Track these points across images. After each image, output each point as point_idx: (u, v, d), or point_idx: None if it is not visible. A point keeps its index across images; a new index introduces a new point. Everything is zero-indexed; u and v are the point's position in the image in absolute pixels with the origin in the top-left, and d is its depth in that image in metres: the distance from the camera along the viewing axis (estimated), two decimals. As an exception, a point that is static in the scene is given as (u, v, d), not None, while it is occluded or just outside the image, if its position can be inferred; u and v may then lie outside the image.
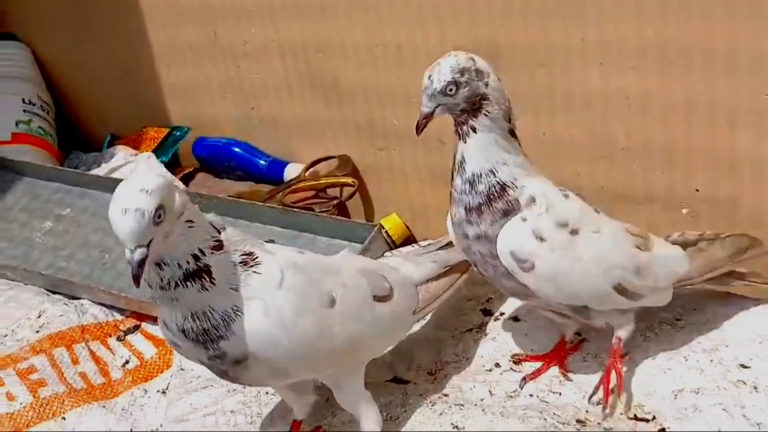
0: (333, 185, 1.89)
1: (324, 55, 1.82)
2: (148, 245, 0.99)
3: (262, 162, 2.04)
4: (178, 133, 2.16)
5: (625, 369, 1.30)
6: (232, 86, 2.02)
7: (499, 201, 1.21)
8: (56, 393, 1.47)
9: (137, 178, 1.02)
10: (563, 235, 1.21)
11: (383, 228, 1.73)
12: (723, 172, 1.48)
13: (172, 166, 2.12)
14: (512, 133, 1.23)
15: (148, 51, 2.12)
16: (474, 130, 1.20)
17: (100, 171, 2.10)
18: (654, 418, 1.25)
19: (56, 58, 2.37)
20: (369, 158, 1.87)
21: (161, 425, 1.42)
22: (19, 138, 2.18)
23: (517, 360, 1.38)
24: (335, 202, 1.86)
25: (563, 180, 1.52)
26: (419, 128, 1.21)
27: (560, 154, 1.60)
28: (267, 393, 1.41)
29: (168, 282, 1.06)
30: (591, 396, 1.29)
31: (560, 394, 1.31)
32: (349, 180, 1.86)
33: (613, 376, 1.26)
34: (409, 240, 1.78)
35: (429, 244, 1.48)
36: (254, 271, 1.11)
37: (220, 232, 1.10)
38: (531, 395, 1.31)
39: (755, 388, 1.25)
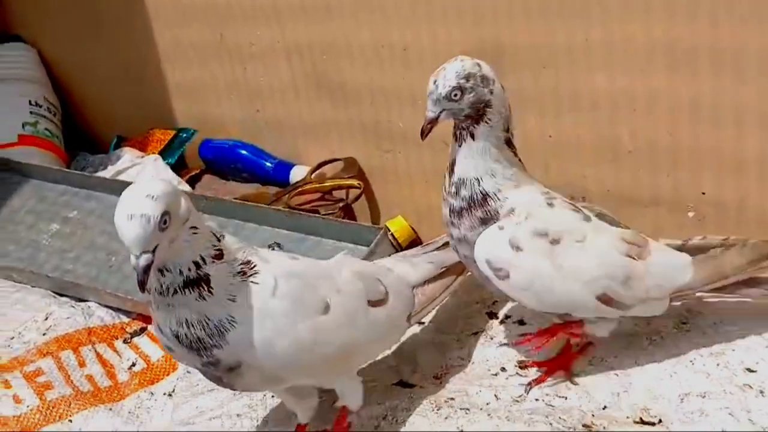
0: (339, 187, 1.89)
1: (330, 57, 1.82)
2: (153, 251, 0.99)
3: (268, 164, 2.04)
4: (185, 135, 2.16)
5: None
6: (238, 88, 2.02)
7: (479, 209, 1.22)
8: (63, 396, 1.47)
9: (143, 184, 1.02)
10: (542, 245, 1.20)
11: (389, 230, 1.73)
12: (729, 174, 1.47)
13: (179, 168, 2.13)
14: (509, 142, 1.23)
15: (154, 52, 2.12)
16: (472, 136, 1.20)
17: (107, 173, 2.10)
18: (660, 421, 1.24)
19: (62, 59, 2.37)
20: (375, 160, 1.87)
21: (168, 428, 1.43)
22: (26, 140, 2.19)
23: (523, 366, 1.38)
24: (341, 204, 1.86)
25: (570, 182, 1.52)
26: (424, 133, 1.21)
27: (566, 155, 1.60)
28: (273, 397, 1.41)
29: (167, 288, 1.06)
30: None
31: (566, 398, 1.30)
32: (355, 182, 1.87)
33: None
34: (415, 242, 1.77)
35: (426, 244, 1.47)
36: (252, 281, 1.11)
37: (219, 240, 1.10)
38: (537, 399, 1.31)
39: (761, 392, 1.24)
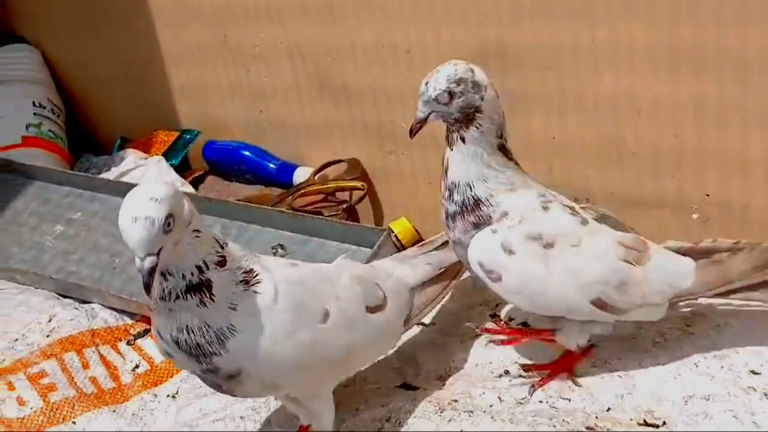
0: (342, 189, 1.89)
1: (333, 58, 1.82)
2: (157, 254, 0.99)
3: (271, 165, 2.04)
4: (188, 137, 2.17)
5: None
6: (241, 89, 2.02)
7: (471, 214, 1.22)
8: (67, 397, 1.47)
9: (146, 186, 1.02)
10: (535, 248, 1.20)
11: (392, 232, 1.73)
12: (734, 176, 1.47)
13: (182, 169, 2.13)
14: (502, 148, 1.23)
15: (158, 54, 2.12)
16: (463, 140, 1.21)
17: (111, 174, 2.10)
18: (664, 423, 1.24)
19: (66, 61, 2.38)
20: (378, 162, 1.87)
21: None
22: (30, 141, 2.19)
23: (526, 368, 1.38)
24: (344, 205, 1.87)
25: (573, 184, 1.52)
26: (413, 132, 1.24)
27: (570, 156, 1.60)
28: (276, 399, 1.41)
29: (169, 293, 1.06)
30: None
31: (570, 400, 1.30)
32: (358, 184, 1.87)
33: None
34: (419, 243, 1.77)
35: (424, 243, 1.47)
36: (254, 291, 1.11)
37: (223, 247, 1.10)
38: (540, 402, 1.31)
39: (766, 394, 1.24)
